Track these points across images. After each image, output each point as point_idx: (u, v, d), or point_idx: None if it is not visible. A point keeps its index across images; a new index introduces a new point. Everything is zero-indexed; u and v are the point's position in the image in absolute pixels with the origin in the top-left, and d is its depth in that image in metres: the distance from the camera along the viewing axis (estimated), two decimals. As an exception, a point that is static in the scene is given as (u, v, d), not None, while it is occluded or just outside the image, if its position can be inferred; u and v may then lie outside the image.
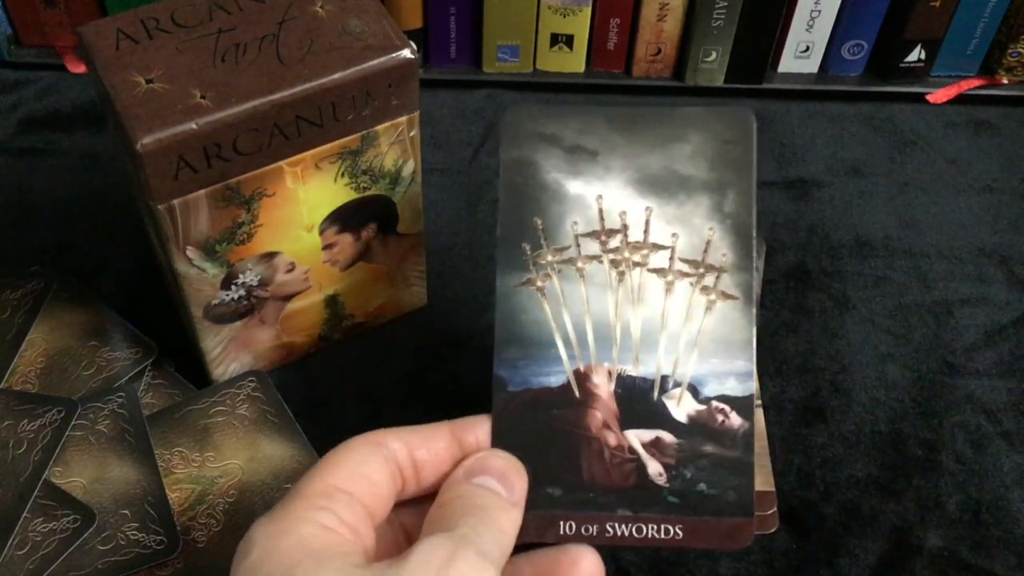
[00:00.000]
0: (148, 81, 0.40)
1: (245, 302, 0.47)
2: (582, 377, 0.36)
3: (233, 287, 0.46)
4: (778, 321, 0.56)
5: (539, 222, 0.37)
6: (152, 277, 0.53)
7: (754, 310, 0.36)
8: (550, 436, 0.36)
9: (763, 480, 0.48)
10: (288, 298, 0.49)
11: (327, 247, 0.47)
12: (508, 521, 0.33)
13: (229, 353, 0.49)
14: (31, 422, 0.47)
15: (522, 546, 0.34)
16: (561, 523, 0.35)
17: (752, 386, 0.36)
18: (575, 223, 0.37)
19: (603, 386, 0.36)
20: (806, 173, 0.64)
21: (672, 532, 0.35)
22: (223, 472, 0.47)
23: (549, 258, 0.37)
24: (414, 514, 0.34)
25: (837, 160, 0.65)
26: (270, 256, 0.46)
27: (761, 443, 0.50)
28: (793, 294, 0.57)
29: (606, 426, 0.36)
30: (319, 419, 0.50)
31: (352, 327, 0.53)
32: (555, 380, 0.36)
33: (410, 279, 0.53)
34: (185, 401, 0.50)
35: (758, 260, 0.47)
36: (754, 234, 0.37)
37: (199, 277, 0.44)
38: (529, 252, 0.37)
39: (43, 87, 0.67)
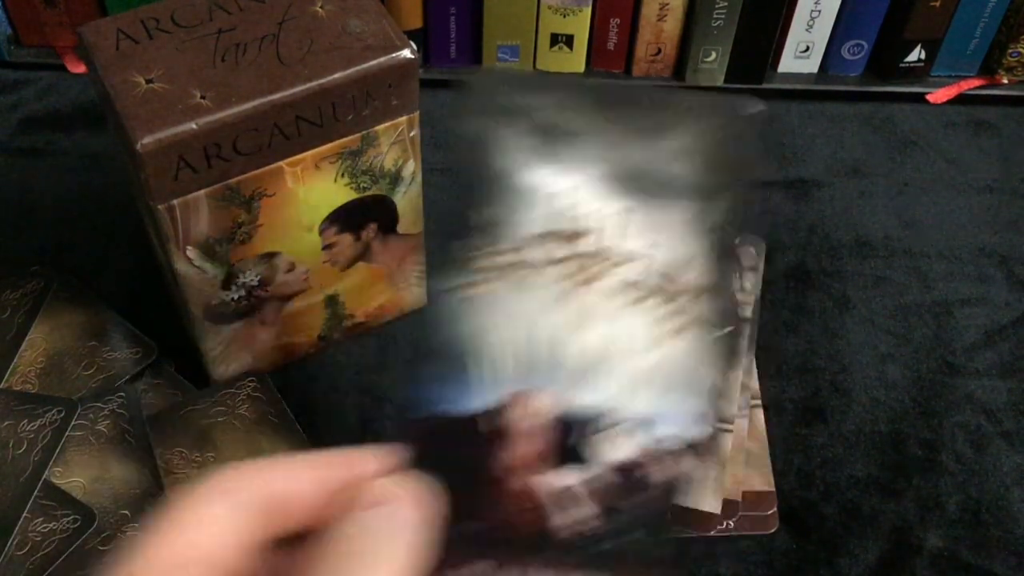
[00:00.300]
0: (148, 81, 0.40)
1: (245, 302, 0.47)
2: (504, 406, 0.29)
3: (233, 287, 0.46)
4: (778, 321, 0.56)
5: (485, 214, 0.30)
6: (152, 277, 0.53)
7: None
8: (449, 474, 0.29)
9: (763, 480, 0.48)
10: (288, 298, 0.49)
11: (327, 247, 0.47)
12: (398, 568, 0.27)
13: (229, 353, 0.49)
14: (31, 422, 0.47)
15: None
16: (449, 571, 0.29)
17: (708, 429, 0.30)
18: (532, 219, 0.30)
19: (529, 418, 0.29)
20: (806, 173, 0.64)
21: None
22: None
23: (494, 260, 0.30)
24: (289, 557, 0.29)
25: (837, 160, 0.65)
26: (270, 256, 0.46)
27: (761, 443, 0.50)
28: (793, 294, 0.57)
29: (516, 467, 0.29)
30: (319, 419, 0.50)
31: (352, 327, 0.53)
32: (470, 406, 0.29)
33: (410, 279, 0.53)
34: (185, 401, 0.50)
35: (759, 261, 0.48)
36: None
37: (199, 277, 0.44)
38: (466, 251, 0.30)
39: (43, 87, 0.67)
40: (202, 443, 0.48)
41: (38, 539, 0.44)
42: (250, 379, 0.50)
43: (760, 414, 0.51)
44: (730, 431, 0.49)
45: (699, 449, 0.30)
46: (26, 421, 0.47)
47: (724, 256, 0.31)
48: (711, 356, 0.30)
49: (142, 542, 0.26)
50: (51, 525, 0.45)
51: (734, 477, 0.48)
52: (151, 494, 0.46)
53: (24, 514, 0.45)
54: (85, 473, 0.47)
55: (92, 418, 0.48)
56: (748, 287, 0.45)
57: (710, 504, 0.47)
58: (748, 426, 0.50)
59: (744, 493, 0.48)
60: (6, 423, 0.47)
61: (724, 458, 0.48)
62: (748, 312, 0.43)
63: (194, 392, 0.50)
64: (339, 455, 0.29)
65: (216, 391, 0.50)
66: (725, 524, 0.47)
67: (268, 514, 0.28)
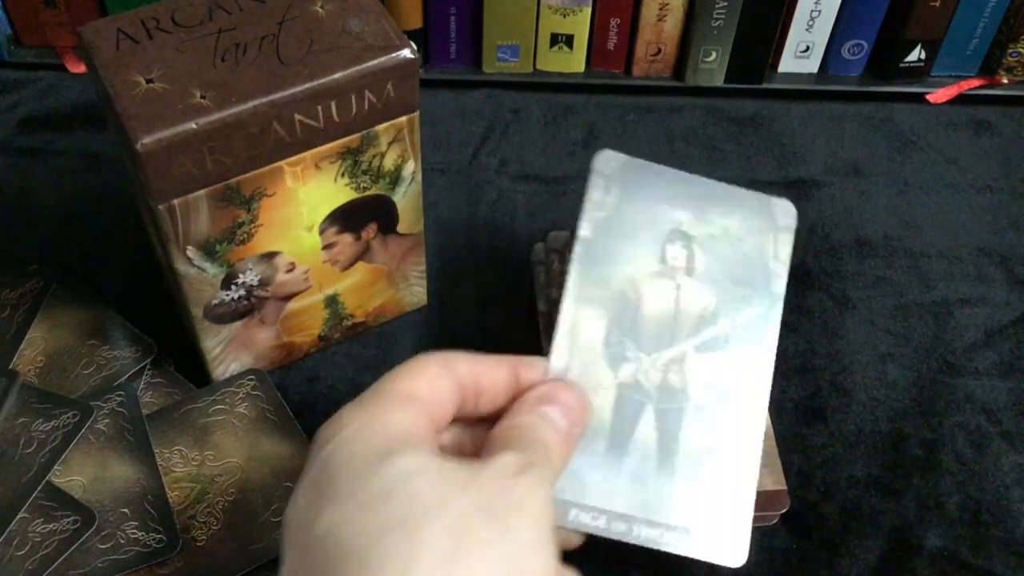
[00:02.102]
0: (148, 81, 0.40)
1: (245, 302, 0.47)
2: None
3: (233, 287, 0.46)
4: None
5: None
6: (152, 277, 0.53)
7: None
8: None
9: (775, 480, 0.48)
10: (288, 298, 0.49)
11: (327, 247, 0.47)
12: (560, 460, 0.35)
13: (229, 353, 0.49)
14: (45, 422, 0.47)
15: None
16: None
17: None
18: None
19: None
20: (806, 173, 0.64)
21: None
22: (223, 470, 0.47)
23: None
24: (463, 433, 0.37)
25: (837, 160, 0.65)
26: (270, 256, 0.46)
27: (770, 442, 0.49)
28: (793, 294, 0.57)
29: None
30: (319, 419, 0.50)
31: (352, 327, 0.53)
32: None
33: (410, 279, 0.53)
34: (185, 400, 0.50)
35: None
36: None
37: (199, 277, 0.44)
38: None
39: (43, 87, 0.67)
40: (201, 442, 0.48)
41: (38, 540, 0.44)
42: (250, 377, 0.50)
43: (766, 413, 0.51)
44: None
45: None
46: (40, 420, 0.47)
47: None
48: None
49: (382, 380, 0.34)
50: (51, 526, 0.45)
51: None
52: (151, 492, 0.46)
53: (20, 514, 0.45)
54: (85, 472, 0.47)
55: (92, 417, 0.48)
56: (783, 255, 0.44)
57: (773, 483, 0.46)
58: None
59: (756, 493, 0.47)
60: (21, 420, 0.47)
61: (769, 431, 0.49)
62: (780, 287, 0.43)
63: (193, 390, 0.50)
64: (518, 360, 0.37)
65: (215, 389, 0.50)
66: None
67: (467, 389, 0.35)
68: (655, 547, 0.39)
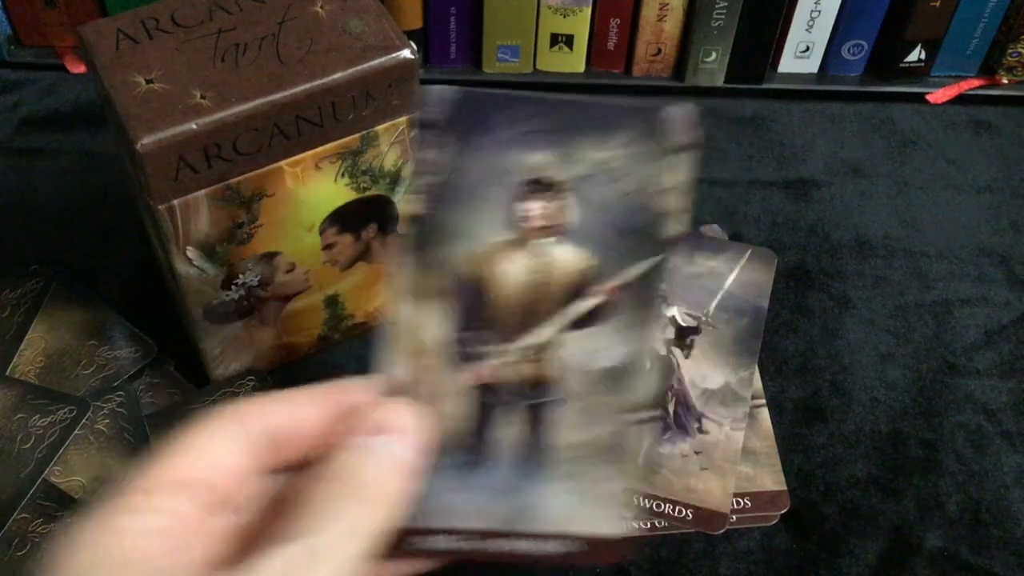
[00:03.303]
0: (148, 81, 0.40)
1: (245, 302, 0.47)
2: None
3: (233, 287, 0.46)
4: (778, 321, 0.56)
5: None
6: (152, 277, 0.53)
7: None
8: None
9: (775, 480, 0.48)
10: (288, 298, 0.49)
11: (327, 247, 0.47)
12: (396, 498, 0.29)
13: (229, 353, 0.49)
14: (43, 418, 0.47)
15: None
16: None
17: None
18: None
19: None
20: (806, 173, 0.64)
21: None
22: None
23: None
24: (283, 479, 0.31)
25: (837, 160, 0.65)
26: (270, 256, 0.46)
27: (769, 443, 0.50)
28: (793, 294, 0.57)
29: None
30: (319, 419, 0.50)
31: (352, 327, 0.53)
32: None
33: (410, 279, 0.53)
34: (184, 401, 0.49)
35: (769, 274, 0.50)
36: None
37: (199, 277, 0.44)
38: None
39: (43, 87, 0.67)
40: None
41: (37, 540, 0.44)
42: (250, 378, 0.50)
43: (765, 413, 0.51)
44: (741, 429, 0.50)
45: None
46: (38, 416, 0.48)
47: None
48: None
49: (149, 462, 0.28)
50: (51, 526, 0.45)
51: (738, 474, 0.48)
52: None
53: (20, 514, 0.45)
54: (85, 472, 0.47)
55: (92, 417, 0.48)
56: (678, 183, 0.32)
57: (773, 483, 0.48)
58: (754, 425, 0.50)
59: (757, 493, 0.48)
60: (18, 416, 0.47)
61: (768, 431, 0.50)
62: (673, 229, 0.33)
63: (194, 391, 0.50)
64: (336, 386, 0.31)
65: (215, 390, 0.50)
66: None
67: (271, 444, 0.30)
68: (532, 556, 0.33)
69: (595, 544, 0.33)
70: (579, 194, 0.32)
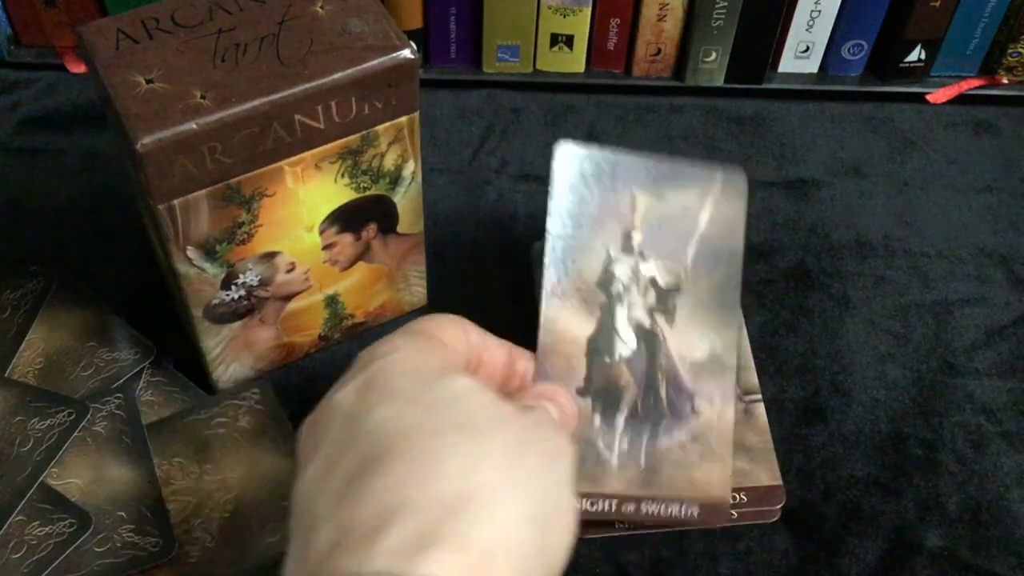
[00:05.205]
0: (148, 81, 0.40)
1: (245, 302, 0.47)
2: None
3: (233, 287, 0.46)
4: (778, 321, 0.56)
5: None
6: (152, 277, 0.53)
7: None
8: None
9: (770, 475, 0.48)
10: (288, 298, 0.49)
11: (327, 247, 0.47)
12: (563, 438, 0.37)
13: (229, 353, 0.49)
14: (42, 420, 0.47)
15: None
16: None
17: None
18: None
19: None
20: (806, 173, 0.64)
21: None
22: (220, 486, 0.47)
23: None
24: None
25: (837, 160, 0.65)
26: (270, 256, 0.46)
27: (764, 438, 0.50)
28: (793, 294, 0.57)
29: None
30: (319, 419, 0.50)
31: (352, 327, 0.53)
32: None
33: (410, 279, 0.53)
34: (187, 411, 0.49)
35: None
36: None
37: (199, 277, 0.44)
38: None
39: (43, 87, 0.67)
40: (201, 455, 0.48)
41: (34, 542, 0.44)
42: (254, 391, 0.50)
43: (761, 408, 0.51)
44: (731, 403, 0.47)
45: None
46: (37, 419, 0.47)
47: None
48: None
49: (409, 324, 0.36)
50: (47, 528, 0.44)
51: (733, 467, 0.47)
52: (147, 495, 0.46)
53: (17, 516, 0.44)
54: (82, 474, 0.47)
55: (90, 419, 0.48)
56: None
57: (769, 479, 0.48)
58: (750, 421, 0.50)
59: (752, 488, 0.48)
60: (17, 418, 0.47)
61: (764, 427, 0.50)
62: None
63: (196, 395, 0.50)
64: (514, 347, 0.39)
65: (219, 401, 0.49)
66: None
67: (472, 357, 0.37)
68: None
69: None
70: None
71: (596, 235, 0.44)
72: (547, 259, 0.42)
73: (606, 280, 0.44)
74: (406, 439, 0.30)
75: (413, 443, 0.30)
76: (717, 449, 0.44)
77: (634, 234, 0.45)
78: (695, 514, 0.43)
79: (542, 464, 0.32)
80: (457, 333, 0.37)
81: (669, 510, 0.43)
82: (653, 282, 0.45)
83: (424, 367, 0.34)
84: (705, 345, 0.45)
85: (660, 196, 0.45)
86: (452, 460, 0.29)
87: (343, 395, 0.33)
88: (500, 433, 0.31)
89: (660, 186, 0.45)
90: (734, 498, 0.47)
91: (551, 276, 0.42)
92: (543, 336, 0.41)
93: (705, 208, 0.45)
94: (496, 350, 0.39)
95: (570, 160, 0.43)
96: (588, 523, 0.41)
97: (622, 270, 0.44)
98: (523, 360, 0.40)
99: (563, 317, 0.42)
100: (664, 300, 0.45)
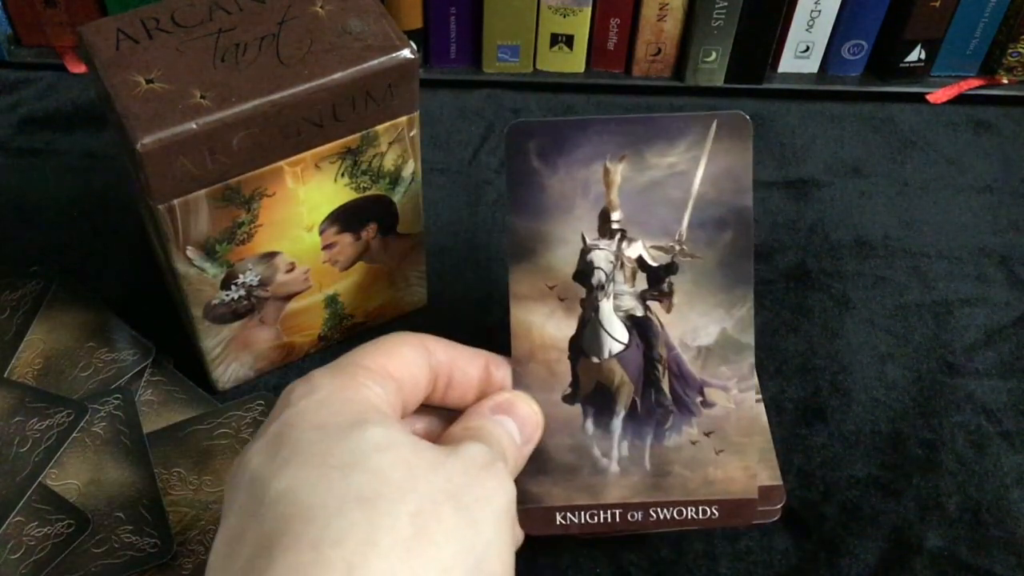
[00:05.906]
0: (148, 81, 0.40)
1: (245, 302, 0.47)
2: None
3: (233, 287, 0.46)
4: (778, 321, 0.56)
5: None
6: (152, 277, 0.53)
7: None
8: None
9: (770, 475, 0.48)
10: (288, 298, 0.49)
11: (327, 247, 0.47)
12: (514, 470, 0.36)
13: (229, 353, 0.49)
14: (40, 421, 0.47)
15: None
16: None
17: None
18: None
19: None
20: (806, 173, 0.64)
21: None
22: (219, 498, 0.46)
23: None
24: (432, 419, 0.38)
25: (837, 160, 0.65)
26: (270, 256, 0.46)
27: (765, 438, 0.49)
28: (793, 294, 0.57)
29: None
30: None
31: (352, 327, 0.53)
32: None
33: (410, 279, 0.53)
34: (190, 420, 0.49)
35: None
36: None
37: (199, 277, 0.44)
38: None
39: (43, 87, 0.67)
40: (202, 465, 0.47)
41: (32, 543, 0.44)
42: (259, 402, 0.50)
43: (761, 408, 0.51)
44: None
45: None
46: (36, 419, 0.47)
47: None
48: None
49: (358, 351, 0.35)
50: (45, 529, 0.44)
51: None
52: (146, 497, 0.46)
53: (15, 517, 0.44)
54: (80, 475, 0.46)
55: (89, 420, 0.48)
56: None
57: (769, 478, 0.43)
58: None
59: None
60: (16, 419, 0.47)
61: (764, 427, 0.45)
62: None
63: (200, 408, 0.50)
64: (490, 356, 0.38)
65: (223, 412, 0.49)
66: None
67: (440, 376, 0.36)
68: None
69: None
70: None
71: (565, 222, 0.38)
72: (510, 258, 0.38)
73: (584, 271, 0.39)
74: (302, 518, 0.29)
75: (309, 522, 0.29)
76: (737, 440, 0.40)
77: (612, 212, 0.39)
78: (715, 515, 0.39)
79: (463, 519, 0.30)
80: (412, 358, 0.35)
81: (684, 514, 0.39)
82: (641, 264, 0.40)
83: (335, 418, 0.32)
84: (713, 327, 0.40)
85: (638, 161, 0.39)
86: (349, 544, 0.28)
87: (254, 452, 0.32)
88: (405, 501, 0.30)
89: (637, 148, 0.38)
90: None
91: (518, 277, 0.39)
92: (516, 345, 0.38)
93: (699, 165, 0.39)
94: (468, 365, 0.37)
95: (524, 139, 0.38)
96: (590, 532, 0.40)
97: (601, 257, 0.39)
98: (502, 370, 0.38)
99: (538, 322, 0.39)
100: (657, 283, 0.39)
